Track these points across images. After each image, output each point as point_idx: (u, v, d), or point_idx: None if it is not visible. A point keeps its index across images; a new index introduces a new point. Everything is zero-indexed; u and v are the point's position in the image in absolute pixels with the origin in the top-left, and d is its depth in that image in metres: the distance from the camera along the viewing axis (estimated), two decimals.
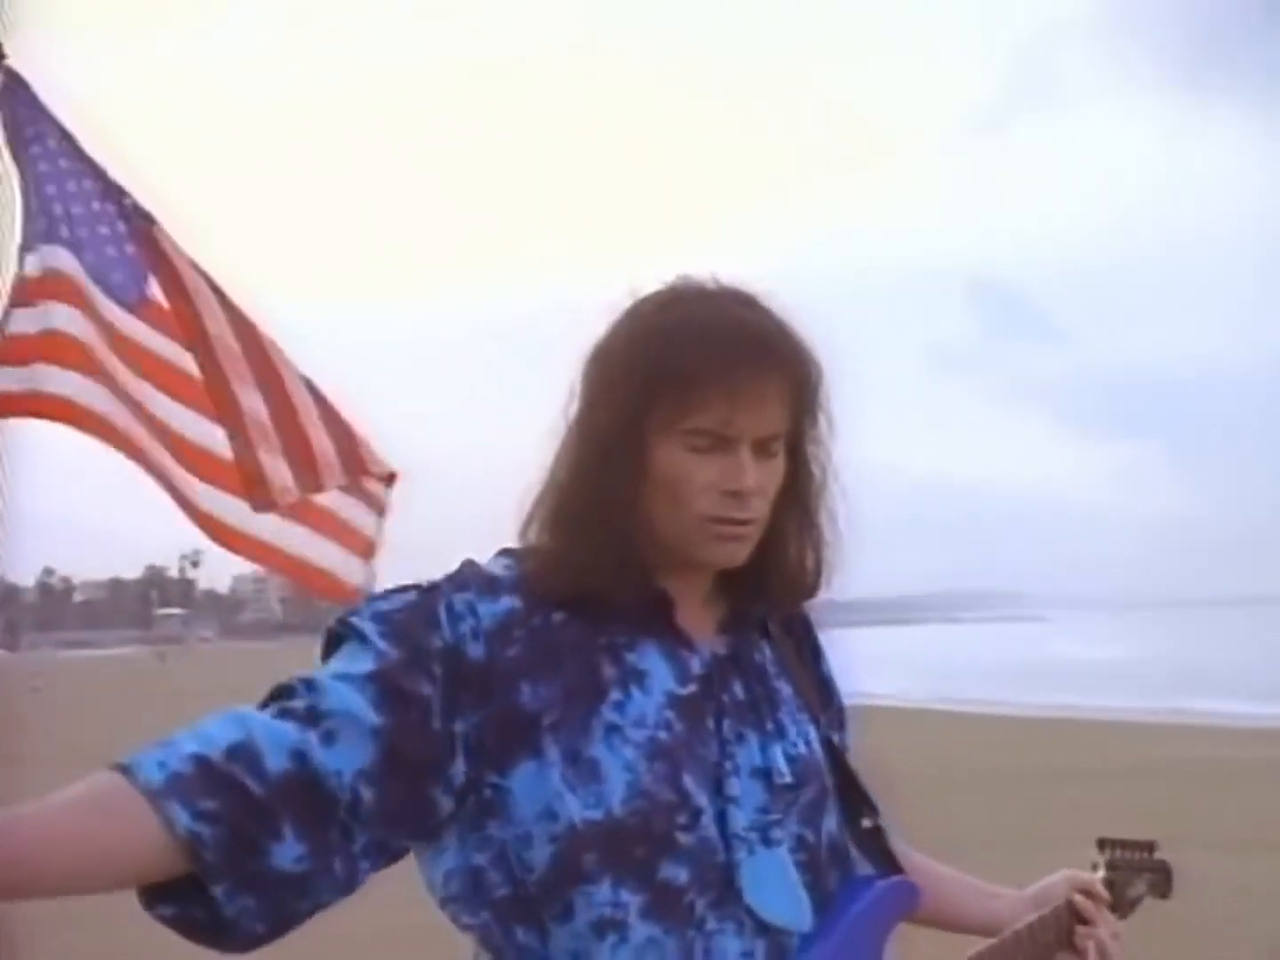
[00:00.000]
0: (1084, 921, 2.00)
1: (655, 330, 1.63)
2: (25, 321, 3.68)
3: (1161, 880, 2.24)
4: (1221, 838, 12.62)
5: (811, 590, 1.77)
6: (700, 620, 1.70)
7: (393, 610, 1.58)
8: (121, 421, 3.76)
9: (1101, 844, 2.23)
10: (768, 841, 1.63)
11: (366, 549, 4.30)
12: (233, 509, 4.03)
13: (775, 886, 1.62)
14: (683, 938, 1.55)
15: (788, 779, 1.67)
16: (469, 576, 1.63)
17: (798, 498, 1.72)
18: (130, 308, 3.91)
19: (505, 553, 1.70)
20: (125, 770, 1.42)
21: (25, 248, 3.73)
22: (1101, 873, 2.15)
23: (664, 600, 1.66)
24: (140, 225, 4.00)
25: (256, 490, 4.05)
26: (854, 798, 1.77)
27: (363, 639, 1.54)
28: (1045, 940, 1.97)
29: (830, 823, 1.71)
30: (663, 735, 1.59)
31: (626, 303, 1.69)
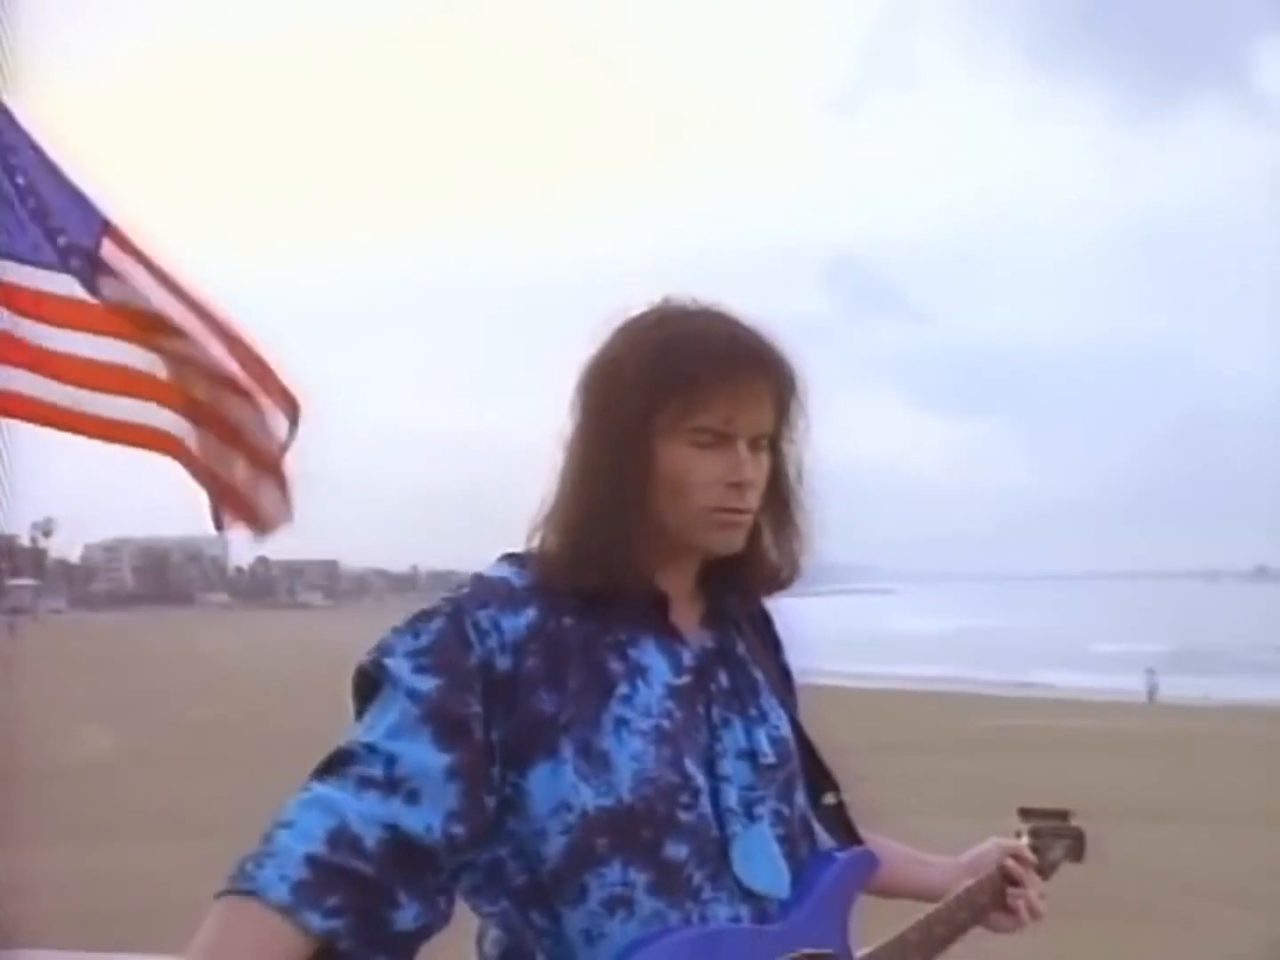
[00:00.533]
0: (1014, 883, 2.19)
1: (657, 342, 1.77)
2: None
3: (1076, 845, 2.47)
4: (1078, 806, 13.22)
5: (786, 582, 1.91)
6: (687, 616, 1.84)
7: (425, 646, 1.67)
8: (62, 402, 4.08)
9: (1023, 813, 2.44)
10: (751, 817, 1.77)
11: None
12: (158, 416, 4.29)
13: (760, 859, 1.76)
14: (682, 908, 1.68)
15: (770, 759, 1.82)
16: (487, 592, 1.73)
17: (777, 494, 1.85)
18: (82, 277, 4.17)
19: (511, 559, 1.81)
20: (251, 894, 1.52)
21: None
22: (1026, 840, 2.35)
23: (661, 599, 1.79)
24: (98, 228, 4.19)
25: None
26: (817, 775, 1.92)
27: (396, 682, 1.64)
28: (981, 902, 2.17)
29: (800, 798, 1.86)
30: (665, 723, 1.73)
31: (615, 322, 1.82)
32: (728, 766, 1.77)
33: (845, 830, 1.92)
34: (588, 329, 1.88)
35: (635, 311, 1.81)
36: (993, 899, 2.16)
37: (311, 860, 1.51)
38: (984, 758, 18.54)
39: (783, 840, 1.78)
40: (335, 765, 1.60)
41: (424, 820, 1.57)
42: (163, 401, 4.19)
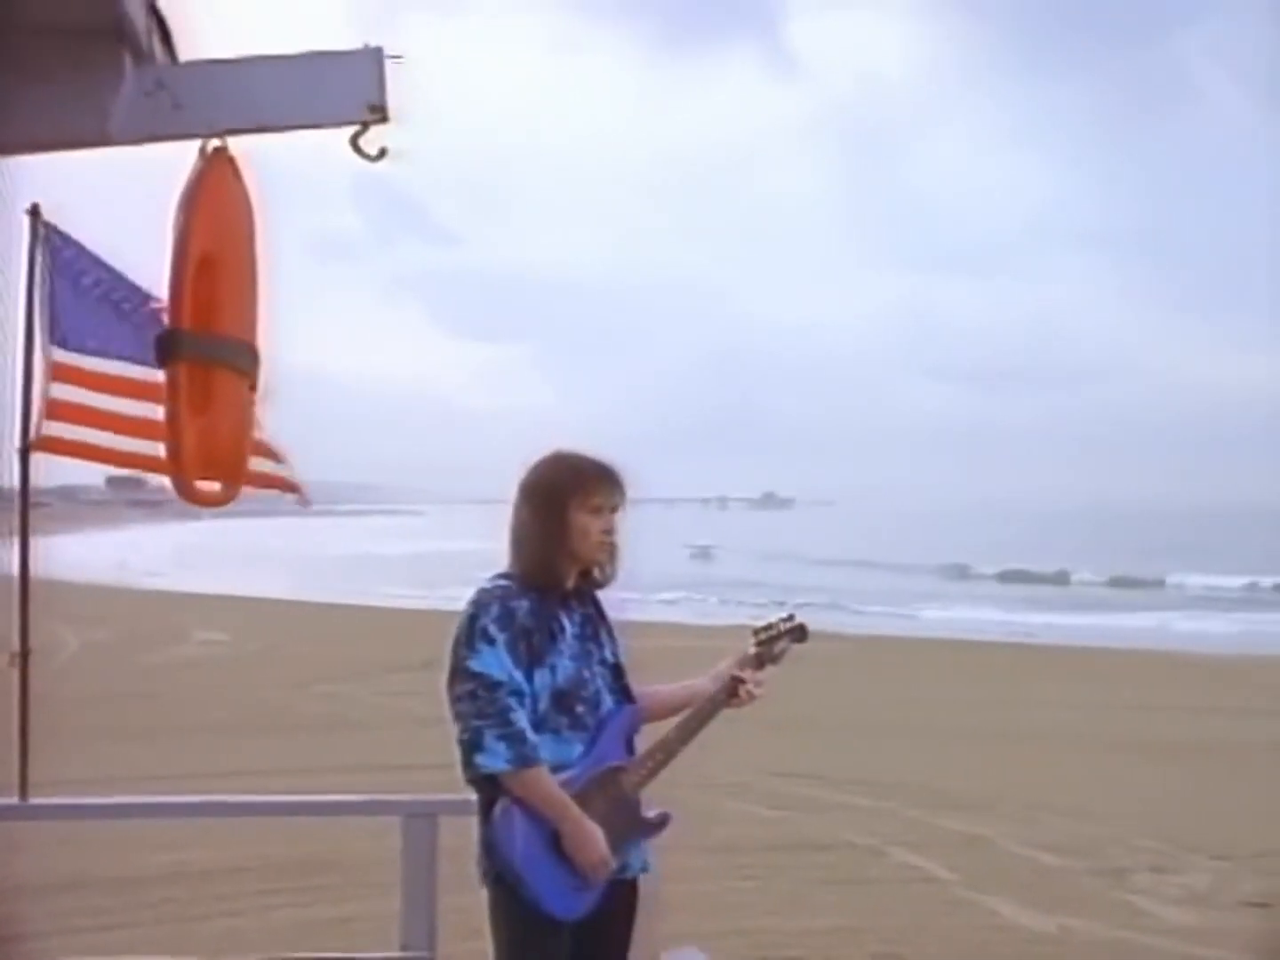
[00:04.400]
0: (742, 681, 4.06)
1: (568, 467, 3.91)
2: (60, 392, 5.39)
3: (798, 633, 4.19)
4: None
5: (611, 581, 4.00)
6: (573, 599, 3.93)
7: (495, 616, 3.74)
8: (121, 447, 5.50)
9: (753, 631, 4.19)
10: (610, 692, 3.92)
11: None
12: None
13: (610, 709, 3.90)
14: (577, 735, 3.80)
15: (613, 663, 3.96)
16: (507, 592, 3.80)
17: (614, 540, 3.95)
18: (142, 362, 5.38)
19: (501, 576, 3.87)
20: (539, 763, 3.67)
21: (54, 340, 5.34)
22: (752, 649, 4.13)
23: (566, 593, 3.91)
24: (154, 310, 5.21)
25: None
26: (620, 672, 3.99)
27: (489, 637, 3.72)
28: (720, 699, 4.04)
29: (619, 681, 3.98)
30: (575, 650, 3.86)
31: (532, 460, 3.93)
32: (597, 669, 3.92)
33: (628, 696, 3.98)
34: None
35: (542, 453, 3.94)
36: (727, 695, 4.04)
37: (534, 739, 3.69)
38: None
39: (616, 704, 3.93)
40: (505, 688, 3.68)
41: (531, 705, 3.73)
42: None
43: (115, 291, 5.52)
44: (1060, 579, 55.47)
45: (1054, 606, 43.40)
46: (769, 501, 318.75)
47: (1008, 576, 57.06)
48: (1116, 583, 53.43)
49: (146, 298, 5.48)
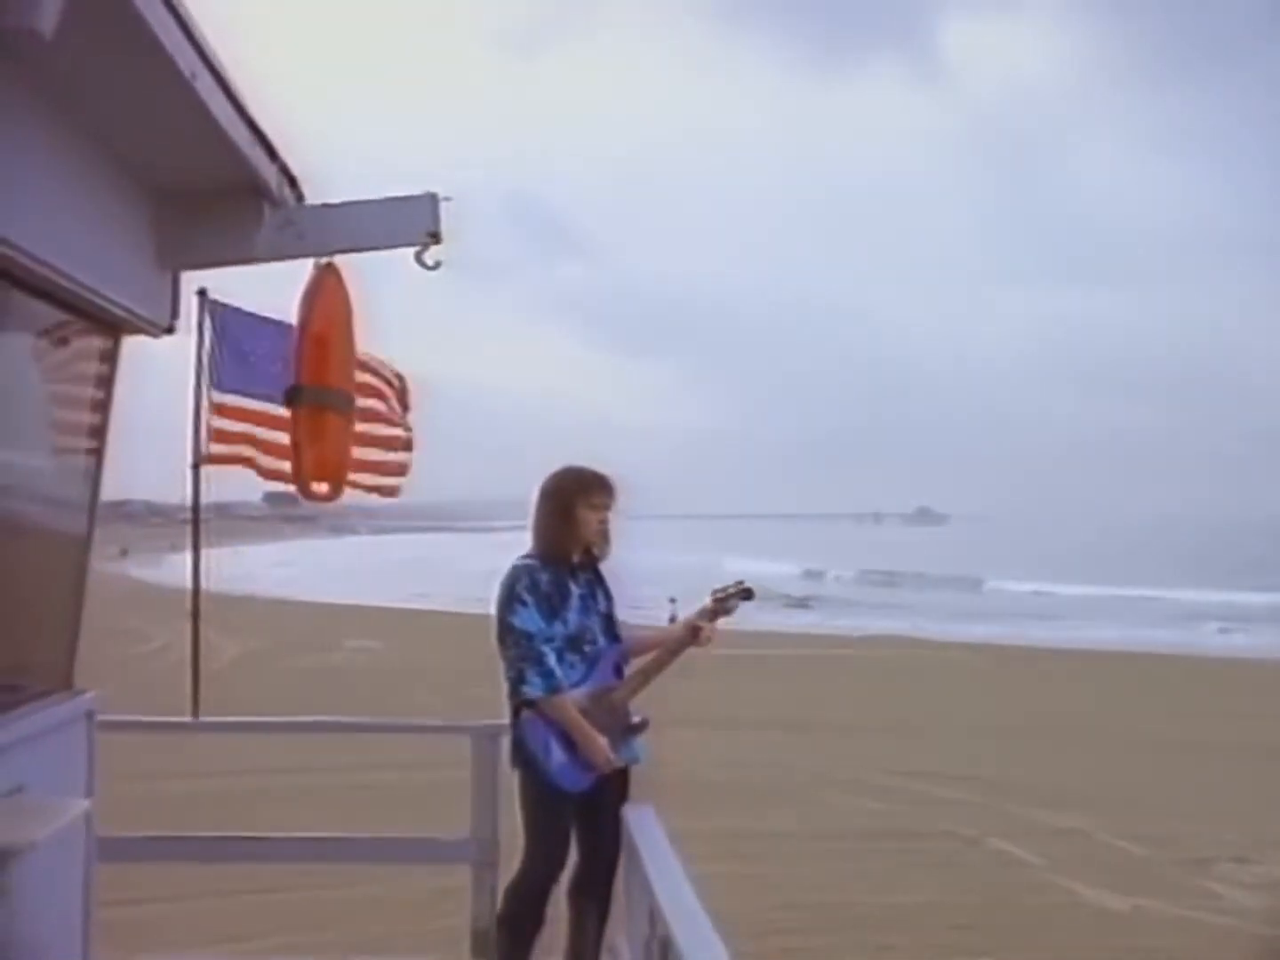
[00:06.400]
0: (700, 629, 5.49)
1: (575, 475, 5.57)
2: (220, 422, 7.21)
3: (746, 593, 5.53)
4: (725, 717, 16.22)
5: (605, 558, 5.62)
6: (579, 570, 5.55)
7: (529, 586, 5.38)
8: (264, 463, 7.38)
9: (711, 591, 5.56)
10: (605, 635, 5.55)
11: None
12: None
13: (604, 646, 5.56)
14: (586, 666, 5.46)
15: (606, 614, 5.58)
16: (533, 569, 5.42)
17: (607, 529, 5.63)
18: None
19: (526, 556, 5.48)
20: (561, 690, 5.33)
21: (216, 386, 7.17)
22: (709, 604, 5.53)
23: (573, 565, 5.54)
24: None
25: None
26: (612, 620, 5.58)
27: (524, 601, 5.36)
28: (685, 640, 5.51)
29: (610, 627, 5.60)
30: (579, 605, 5.50)
31: (550, 470, 5.62)
32: (596, 618, 5.58)
33: (617, 637, 5.58)
34: None
35: (558, 467, 5.61)
36: (691, 637, 5.49)
37: (560, 673, 5.36)
38: None
39: (608, 642, 5.56)
40: (537, 638, 5.31)
41: (554, 650, 5.38)
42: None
43: (261, 346, 7.34)
44: (1184, 595, 54.80)
45: (1175, 619, 43.46)
46: (923, 517, 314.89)
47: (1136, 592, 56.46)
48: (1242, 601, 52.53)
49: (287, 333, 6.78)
